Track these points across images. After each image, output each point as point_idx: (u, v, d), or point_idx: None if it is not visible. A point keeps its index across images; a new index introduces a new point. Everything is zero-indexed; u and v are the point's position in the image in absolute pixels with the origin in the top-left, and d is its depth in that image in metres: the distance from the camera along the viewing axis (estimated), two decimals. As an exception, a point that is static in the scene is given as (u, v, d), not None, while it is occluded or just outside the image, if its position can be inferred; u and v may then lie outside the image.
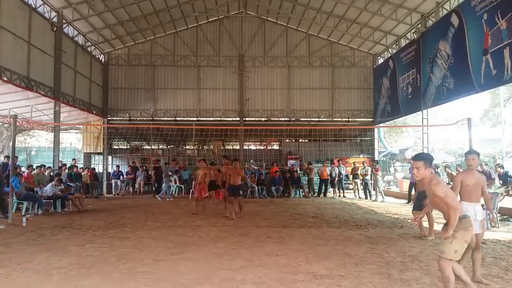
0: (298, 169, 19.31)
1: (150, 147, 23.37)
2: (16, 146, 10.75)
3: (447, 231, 3.74)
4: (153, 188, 18.34)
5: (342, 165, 18.39)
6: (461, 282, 4.07)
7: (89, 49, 19.37)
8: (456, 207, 3.74)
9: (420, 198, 8.11)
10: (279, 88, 21.76)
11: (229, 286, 4.65)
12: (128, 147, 23.22)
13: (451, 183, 13.31)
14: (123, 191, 18.50)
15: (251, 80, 21.66)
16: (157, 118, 21.53)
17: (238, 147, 22.07)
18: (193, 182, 16.11)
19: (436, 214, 11.76)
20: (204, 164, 11.96)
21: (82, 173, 16.60)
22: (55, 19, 15.52)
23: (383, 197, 15.84)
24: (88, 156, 22.41)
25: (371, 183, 16.81)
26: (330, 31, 20.68)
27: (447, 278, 3.79)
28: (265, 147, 22.99)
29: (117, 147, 23.19)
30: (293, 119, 21.69)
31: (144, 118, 21.67)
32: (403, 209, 12.73)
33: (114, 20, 18.09)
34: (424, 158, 3.90)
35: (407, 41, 17.68)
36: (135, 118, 21.56)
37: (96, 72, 20.17)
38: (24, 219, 9.06)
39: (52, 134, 17.89)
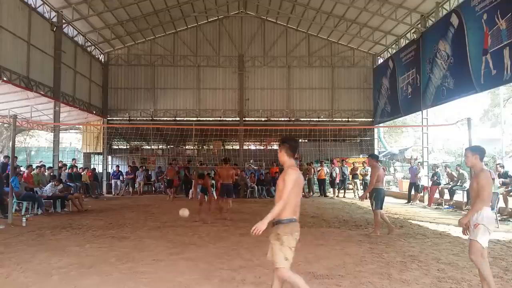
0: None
1: (150, 147, 23.38)
2: (16, 146, 10.75)
3: (263, 221, 3.38)
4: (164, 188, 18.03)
5: (346, 165, 18.31)
6: None
7: (89, 49, 19.38)
8: (282, 201, 3.41)
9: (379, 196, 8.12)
10: (279, 88, 21.76)
11: (229, 286, 4.65)
12: (128, 147, 23.23)
13: (451, 183, 13.45)
14: (123, 191, 18.49)
15: (251, 80, 21.67)
16: (157, 118, 21.54)
17: (238, 147, 22.07)
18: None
19: (430, 211, 11.74)
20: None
21: (82, 173, 16.60)
22: (55, 19, 15.52)
23: (383, 197, 15.83)
24: (88, 156, 22.42)
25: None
26: (330, 31, 20.68)
27: (295, 283, 3.49)
28: (265, 147, 23.00)
29: (117, 147, 23.19)
30: (293, 119, 21.70)
31: (144, 118, 21.68)
32: (403, 209, 12.74)
33: (114, 20, 18.09)
34: (286, 141, 3.62)
35: (407, 41, 17.68)
36: (135, 118, 21.57)
37: (95, 72, 20.17)
38: (24, 219, 9.06)
39: (52, 134, 17.88)
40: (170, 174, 17.32)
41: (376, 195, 8.09)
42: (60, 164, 15.87)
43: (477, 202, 4.14)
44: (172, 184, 17.02)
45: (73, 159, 18.60)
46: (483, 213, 4.10)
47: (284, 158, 3.63)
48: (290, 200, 3.47)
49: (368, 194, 8.49)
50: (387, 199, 15.66)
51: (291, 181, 3.44)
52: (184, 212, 7.60)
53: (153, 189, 20.03)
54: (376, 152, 22.10)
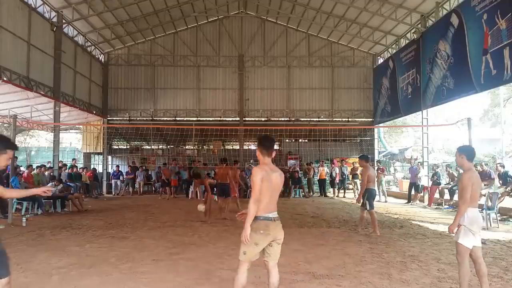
0: (299, 169, 19.28)
1: (150, 147, 23.38)
2: (16, 146, 10.74)
3: (245, 229, 3.58)
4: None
5: (345, 165, 18.32)
6: None
7: (89, 49, 19.37)
8: (250, 202, 3.56)
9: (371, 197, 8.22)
10: (279, 88, 21.75)
11: (229, 286, 4.63)
12: (128, 147, 23.22)
13: (451, 183, 13.46)
14: (123, 191, 18.50)
15: (251, 80, 21.66)
16: (157, 118, 21.53)
17: (238, 147, 22.07)
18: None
19: (430, 212, 11.73)
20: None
21: (82, 173, 16.60)
22: (55, 19, 15.51)
23: (385, 197, 15.81)
24: (88, 156, 22.42)
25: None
26: (330, 31, 20.68)
27: (236, 277, 3.62)
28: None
29: (117, 147, 23.18)
30: (293, 119, 21.69)
31: (144, 118, 21.67)
32: (403, 209, 12.74)
33: (114, 20, 18.09)
34: (259, 141, 3.80)
35: (407, 41, 17.68)
36: (135, 118, 21.56)
37: (96, 72, 20.17)
38: (24, 219, 9.06)
39: (52, 134, 17.89)
40: (165, 174, 17.60)
41: (368, 196, 8.17)
42: (60, 164, 15.88)
43: (459, 205, 4.17)
44: (167, 183, 17.24)
45: (73, 159, 18.60)
46: (465, 214, 4.13)
47: (259, 157, 3.75)
48: (260, 198, 3.54)
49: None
50: (388, 199, 15.78)
51: (255, 180, 3.55)
52: (201, 207, 9.13)
53: (153, 189, 20.03)
54: (376, 152, 22.15)
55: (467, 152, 4.29)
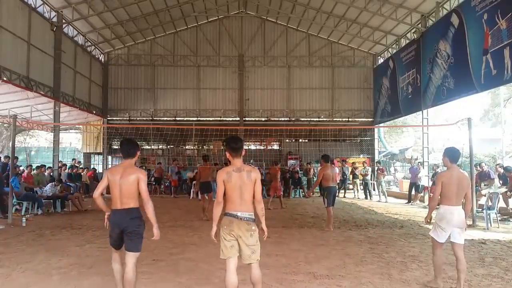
0: (299, 169, 19.24)
1: (150, 147, 23.37)
2: (16, 146, 10.75)
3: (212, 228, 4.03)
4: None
5: (347, 166, 18.30)
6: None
7: (88, 49, 19.37)
8: (215, 202, 3.85)
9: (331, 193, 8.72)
10: (279, 88, 21.75)
11: (229, 286, 4.63)
12: (128, 147, 23.18)
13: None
14: (122, 191, 18.50)
15: (251, 80, 21.65)
16: (157, 118, 21.53)
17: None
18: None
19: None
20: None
21: (82, 173, 16.58)
22: (54, 19, 15.51)
23: (386, 197, 15.78)
24: (88, 156, 22.42)
25: (371, 183, 16.78)
26: (330, 31, 20.67)
27: (225, 277, 3.80)
28: (265, 147, 22.98)
29: (117, 147, 23.16)
30: (293, 119, 21.69)
31: (144, 118, 21.66)
32: (403, 209, 12.73)
33: (114, 20, 18.08)
34: (226, 142, 3.92)
35: (407, 41, 17.67)
36: (135, 118, 21.56)
37: (95, 72, 20.16)
38: (23, 219, 9.05)
39: (52, 134, 17.88)
40: (157, 173, 18.43)
41: (327, 193, 8.69)
42: (60, 164, 15.86)
43: (430, 201, 4.53)
44: (160, 182, 18.28)
45: (73, 159, 18.60)
46: (437, 211, 4.51)
47: (229, 158, 3.83)
48: (228, 198, 3.72)
49: (317, 191, 9.15)
50: (388, 199, 15.76)
51: (217, 183, 3.79)
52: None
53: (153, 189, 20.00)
54: (376, 152, 22.15)
55: (449, 153, 4.60)
